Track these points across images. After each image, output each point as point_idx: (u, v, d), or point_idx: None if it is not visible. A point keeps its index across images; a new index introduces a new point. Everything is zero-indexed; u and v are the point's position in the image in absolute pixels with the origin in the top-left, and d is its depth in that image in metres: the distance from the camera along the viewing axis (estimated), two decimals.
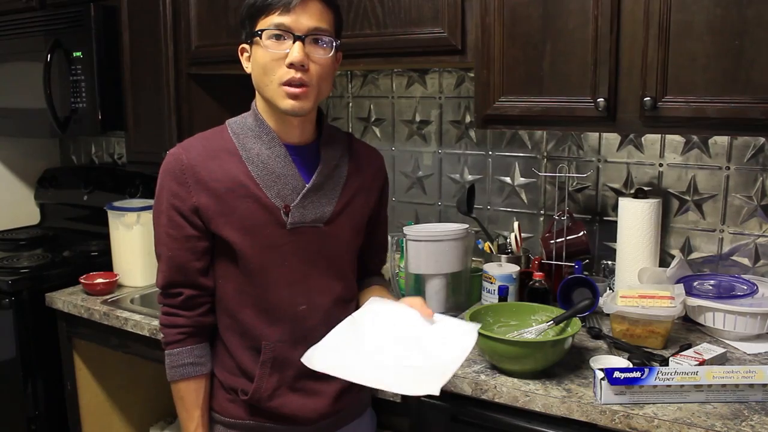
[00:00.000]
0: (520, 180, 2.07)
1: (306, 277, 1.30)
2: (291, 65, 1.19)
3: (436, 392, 1.09)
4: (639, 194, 1.76)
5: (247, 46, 1.27)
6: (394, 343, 1.23)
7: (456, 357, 1.18)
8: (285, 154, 1.28)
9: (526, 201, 2.07)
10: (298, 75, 1.20)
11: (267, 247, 1.27)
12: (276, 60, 1.20)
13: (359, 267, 1.45)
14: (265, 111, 1.29)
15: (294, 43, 1.19)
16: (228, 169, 1.26)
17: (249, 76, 1.29)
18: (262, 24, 1.21)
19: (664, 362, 1.42)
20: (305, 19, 1.20)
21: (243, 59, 1.29)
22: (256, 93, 1.30)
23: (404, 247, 1.82)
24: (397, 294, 1.90)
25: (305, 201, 1.28)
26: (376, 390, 1.51)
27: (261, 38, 1.20)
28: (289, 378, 1.31)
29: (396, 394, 1.51)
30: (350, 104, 2.36)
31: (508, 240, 1.97)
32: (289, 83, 1.20)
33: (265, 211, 1.26)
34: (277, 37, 1.20)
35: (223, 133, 1.30)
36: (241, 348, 1.31)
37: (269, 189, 1.26)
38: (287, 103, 1.22)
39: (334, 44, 1.24)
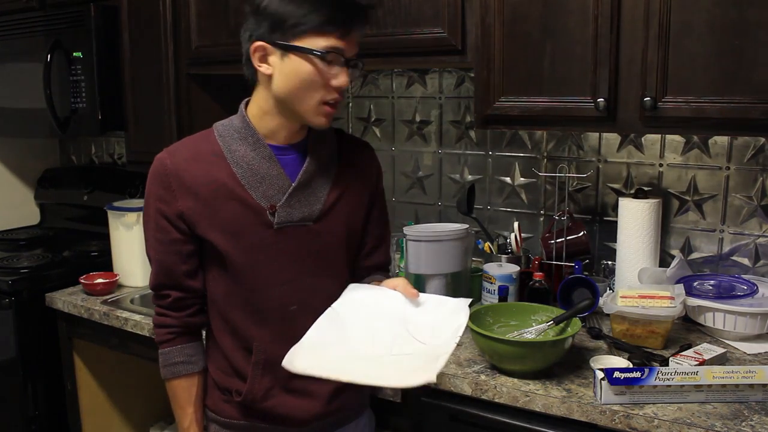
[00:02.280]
0: (520, 180, 2.07)
1: (296, 277, 1.30)
2: (338, 89, 1.22)
3: (433, 379, 1.04)
4: (639, 194, 1.76)
5: (270, 48, 1.20)
6: (380, 332, 1.17)
7: (449, 339, 1.13)
8: (270, 155, 1.27)
9: (526, 201, 2.07)
10: (339, 96, 1.24)
11: (254, 247, 1.27)
12: (323, 79, 1.20)
13: (362, 265, 1.43)
14: (260, 113, 1.27)
15: (343, 67, 1.21)
16: (212, 172, 1.26)
17: (248, 75, 1.27)
18: (315, 41, 1.17)
19: (664, 362, 1.42)
20: (354, 46, 1.23)
21: (256, 58, 1.22)
22: (257, 95, 1.28)
23: (404, 247, 1.82)
24: None
25: (291, 200, 1.28)
26: (375, 389, 1.51)
27: (319, 57, 1.18)
28: (282, 378, 1.30)
29: (396, 393, 1.50)
30: (350, 104, 2.36)
31: (508, 240, 1.97)
32: (329, 103, 1.23)
33: (251, 212, 1.26)
34: (330, 60, 1.20)
35: (209, 137, 1.30)
36: (234, 349, 1.31)
37: (254, 190, 1.26)
38: (322, 120, 1.24)
39: (362, 67, 1.28)
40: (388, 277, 1.46)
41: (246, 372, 1.30)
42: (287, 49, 1.19)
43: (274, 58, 1.21)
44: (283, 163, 1.29)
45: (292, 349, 1.15)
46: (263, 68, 1.22)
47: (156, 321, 1.35)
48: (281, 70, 1.21)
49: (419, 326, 1.18)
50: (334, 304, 1.24)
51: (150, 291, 1.37)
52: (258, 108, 1.28)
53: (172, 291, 1.31)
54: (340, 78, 1.21)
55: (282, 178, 1.28)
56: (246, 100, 1.32)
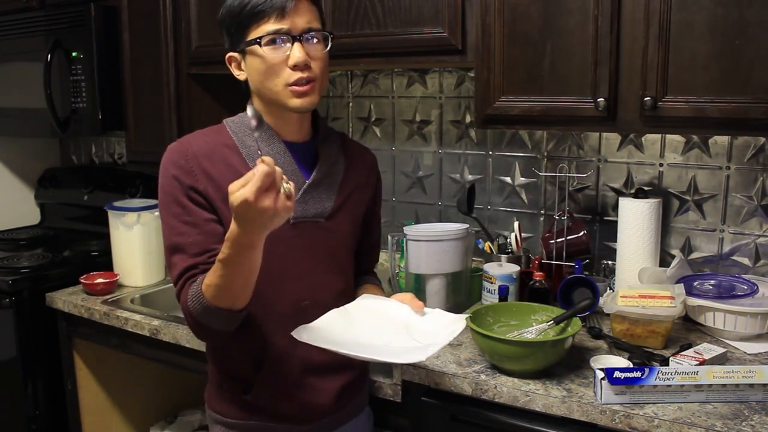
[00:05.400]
0: (521, 180, 2.07)
1: (309, 272, 1.31)
2: (295, 66, 1.21)
3: (423, 359, 1.11)
4: (639, 194, 1.76)
5: (236, 55, 1.27)
6: (383, 330, 1.24)
7: (444, 337, 1.19)
8: (284, 150, 1.29)
9: (526, 201, 2.07)
10: (305, 74, 1.22)
11: (271, 242, 1.25)
12: (278, 64, 1.21)
13: (356, 267, 1.46)
14: (264, 111, 1.29)
15: (293, 44, 1.21)
16: (230, 164, 1.26)
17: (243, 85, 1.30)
18: (257, 32, 1.21)
19: (665, 362, 1.42)
20: (299, 20, 1.21)
21: (232, 68, 1.29)
22: (252, 95, 1.31)
23: (404, 247, 1.82)
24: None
25: (306, 196, 1.30)
26: (375, 389, 1.52)
27: (259, 46, 1.21)
28: (292, 375, 1.31)
29: (396, 393, 1.51)
30: (350, 104, 2.36)
31: (508, 240, 1.97)
32: (296, 83, 1.22)
33: None
34: (273, 41, 1.21)
35: (221, 131, 1.31)
36: (245, 344, 1.30)
37: None
38: (296, 102, 1.23)
39: (329, 37, 1.26)
40: (378, 280, 1.53)
41: (256, 369, 1.30)
42: (243, 50, 1.24)
43: (243, 63, 1.27)
44: (296, 159, 1.30)
45: (303, 325, 1.19)
46: (240, 75, 1.29)
47: (184, 298, 1.21)
48: (248, 71, 1.26)
49: (419, 331, 1.25)
50: (346, 305, 1.29)
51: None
52: (256, 106, 1.31)
53: (189, 278, 1.22)
54: (292, 56, 1.20)
55: (297, 175, 1.29)
56: (251, 99, 1.33)
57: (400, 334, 1.24)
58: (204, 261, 1.22)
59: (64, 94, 2.33)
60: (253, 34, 1.21)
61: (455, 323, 1.25)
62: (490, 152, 2.11)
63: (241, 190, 0.99)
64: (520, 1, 1.56)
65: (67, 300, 2.10)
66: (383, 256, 2.30)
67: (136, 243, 2.17)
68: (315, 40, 1.24)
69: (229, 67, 1.30)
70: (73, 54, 2.28)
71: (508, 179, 2.09)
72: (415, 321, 1.28)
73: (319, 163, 1.32)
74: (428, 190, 2.24)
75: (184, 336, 1.82)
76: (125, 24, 2.20)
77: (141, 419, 2.39)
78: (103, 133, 2.34)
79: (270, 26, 1.20)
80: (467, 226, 1.83)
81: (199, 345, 1.77)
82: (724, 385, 1.27)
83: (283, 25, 1.20)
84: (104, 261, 2.30)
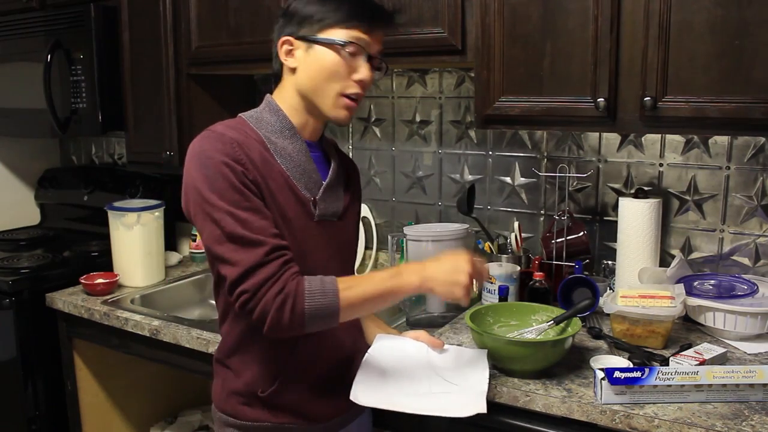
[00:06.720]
0: (520, 180, 2.07)
1: (329, 267, 1.30)
2: (359, 82, 1.25)
3: (484, 410, 1.22)
4: (639, 194, 1.76)
5: (296, 42, 1.25)
6: (412, 372, 1.31)
7: (480, 379, 1.29)
8: (306, 149, 1.31)
9: (526, 201, 2.07)
10: (360, 92, 1.26)
11: (300, 238, 1.28)
12: (345, 71, 1.24)
13: None
14: (291, 107, 1.30)
15: (366, 63, 1.25)
16: (265, 158, 1.24)
17: (275, 72, 1.31)
18: (343, 34, 1.23)
19: (665, 362, 1.42)
20: (377, 44, 1.27)
21: (282, 51, 1.27)
22: (283, 91, 1.30)
23: (404, 247, 1.82)
24: None
25: (325, 195, 1.32)
26: None
27: (342, 48, 1.22)
28: (313, 374, 1.32)
29: None
30: None
31: (508, 240, 1.97)
32: (350, 96, 1.26)
33: (299, 203, 1.27)
34: (356, 50, 1.24)
35: (245, 125, 1.28)
36: (269, 344, 1.28)
37: (299, 182, 1.28)
38: (341, 113, 1.27)
39: (385, 69, 1.31)
40: None
41: (280, 368, 1.29)
42: (312, 42, 1.24)
43: (300, 51, 1.26)
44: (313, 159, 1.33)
45: (354, 387, 1.28)
46: (289, 61, 1.27)
47: (268, 299, 1.15)
48: (305, 62, 1.26)
49: (446, 371, 1.33)
50: (369, 351, 1.36)
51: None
52: (285, 103, 1.31)
53: (279, 257, 1.17)
54: (361, 71, 1.25)
55: (316, 173, 1.32)
56: (268, 95, 1.34)
57: (430, 375, 1.32)
58: (276, 245, 1.17)
59: (64, 95, 2.33)
60: (335, 34, 1.23)
61: (479, 358, 1.34)
62: (490, 152, 2.11)
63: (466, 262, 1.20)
64: (520, 1, 1.56)
65: (67, 300, 2.10)
66: (383, 256, 2.30)
67: (136, 243, 2.17)
68: (376, 66, 1.29)
69: (278, 48, 1.27)
70: (73, 54, 2.28)
71: (508, 179, 2.09)
72: (437, 359, 1.35)
73: (333, 164, 1.36)
74: (428, 190, 2.24)
75: (184, 336, 1.82)
76: (125, 24, 2.20)
77: (141, 419, 2.39)
78: (103, 133, 2.34)
79: (357, 34, 1.23)
80: (467, 226, 1.84)
81: (199, 345, 1.77)
82: (724, 385, 1.27)
83: (367, 39, 1.24)
84: (104, 261, 2.30)
